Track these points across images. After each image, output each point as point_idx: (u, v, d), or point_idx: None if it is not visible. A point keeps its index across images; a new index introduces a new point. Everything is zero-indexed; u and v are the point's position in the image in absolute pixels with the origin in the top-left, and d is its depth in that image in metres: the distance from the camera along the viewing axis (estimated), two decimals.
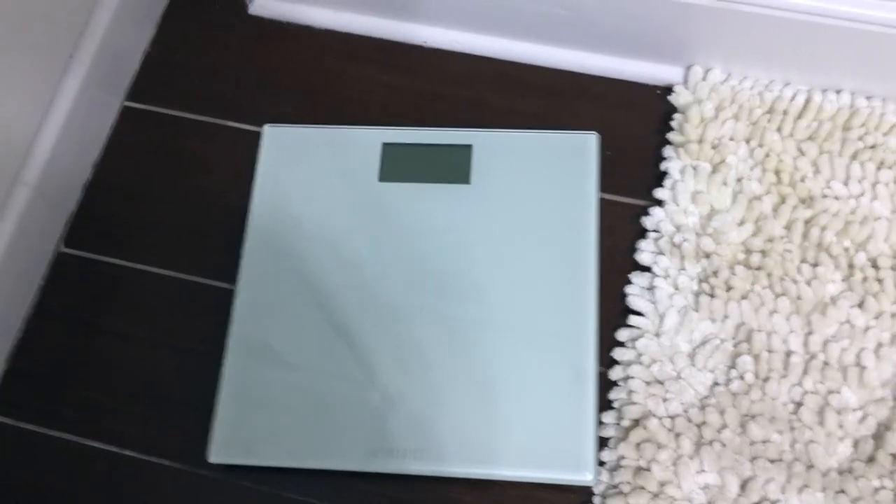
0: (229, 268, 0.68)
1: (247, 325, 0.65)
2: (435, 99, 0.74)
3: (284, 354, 0.64)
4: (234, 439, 0.62)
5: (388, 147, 0.70)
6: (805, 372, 0.61)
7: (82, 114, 0.73)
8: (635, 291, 0.66)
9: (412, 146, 0.70)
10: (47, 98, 0.70)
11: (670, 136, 0.70)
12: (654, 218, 0.67)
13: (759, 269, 0.64)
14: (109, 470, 0.65)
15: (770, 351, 0.62)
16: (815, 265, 0.64)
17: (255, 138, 0.72)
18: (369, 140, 0.71)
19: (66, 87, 0.71)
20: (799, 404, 0.61)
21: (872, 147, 0.67)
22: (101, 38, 0.73)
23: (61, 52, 0.71)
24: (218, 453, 0.62)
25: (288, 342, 0.64)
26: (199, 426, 0.63)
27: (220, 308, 0.67)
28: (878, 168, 0.66)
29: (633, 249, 0.67)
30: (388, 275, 0.66)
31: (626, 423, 0.61)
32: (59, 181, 0.72)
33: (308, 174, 0.70)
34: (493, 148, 0.69)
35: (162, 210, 0.73)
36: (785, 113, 0.68)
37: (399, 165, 0.70)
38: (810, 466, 0.59)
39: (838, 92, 0.69)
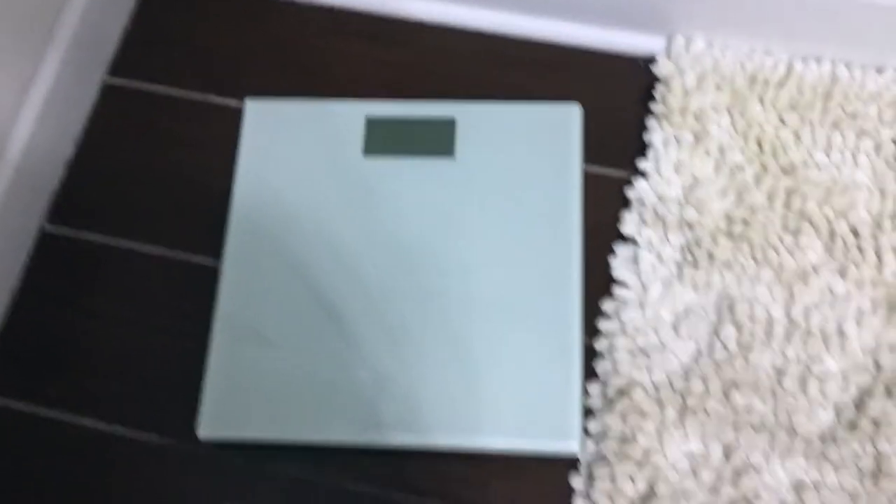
0: (215, 244, 0.68)
1: (232, 306, 0.65)
2: (419, 72, 0.74)
3: (270, 336, 0.64)
4: (223, 415, 0.62)
5: (372, 121, 0.70)
6: (787, 340, 0.62)
7: (63, 91, 0.72)
8: (619, 263, 0.66)
9: (396, 120, 0.70)
10: (27, 75, 0.70)
11: (653, 106, 0.70)
12: (638, 189, 0.67)
13: (741, 238, 0.65)
14: (99, 448, 0.65)
15: (752, 320, 0.63)
16: (796, 234, 0.64)
17: (239, 114, 0.71)
18: (353, 114, 0.70)
19: (45, 63, 0.71)
20: (781, 372, 0.61)
21: (853, 116, 0.67)
22: (81, 14, 0.73)
23: (40, 29, 0.70)
24: (207, 429, 0.62)
25: (274, 323, 0.64)
26: (188, 402, 0.63)
27: (206, 284, 0.67)
28: (859, 137, 0.67)
29: (617, 221, 0.67)
30: (373, 251, 0.66)
31: (611, 393, 0.62)
32: (41, 159, 0.71)
33: (292, 149, 0.70)
34: (476, 121, 0.69)
35: (146, 187, 0.72)
36: (766, 82, 0.69)
37: (383, 139, 0.70)
38: (793, 433, 0.60)
39: (819, 61, 0.69)
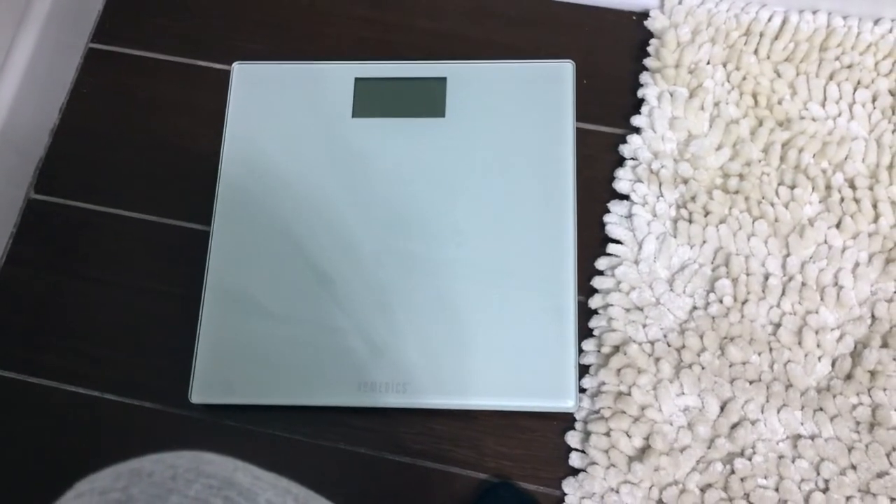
0: (203, 209, 0.67)
1: (222, 272, 0.64)
2: (408, 31, 0.73)
3: (262, 302, 0.63)
4: (215, 379, 0.62)
5: (361, 82, 0.69)
6: (783, 293, 0.62)
7: (45, 57, 0.71)
8: (614, 220, 0.65)
9: (386, 80, 0.69)
10: (7, 41, 0.68)
11: (647, 61, 0.69)
12: (632, 146, 0.67)
13: (736, 193, 0.64)
14: (92, 415, 0.64)
15: (748, 274, 0.62)
16: (792, 187, 0.64)
17: (226, 77, 0.70)
18: (342, 75, 0.69)
19: (26, 29, 0.69)
20: (777, 325, 0.61)
21: (849, 67, 0.66)
22: None
23: None
24: (200, 393, 0.62)
25: (265, 289, 0.64)
26: (180, 368, 0.63)
27: (195, 249, 0.66)
28: (855, 88, 0.66)
29: (611, 178, 0.67)
30: (364, 214, 0.65)
31: (606, 349, 0.62)
32: (26, 127, 0.70)
33: (280, 112, 0.69)
34: (467, 80, 0.68)
35: (132, 153, 0.71)
36: (761, 35, 0.68)
37: (373, 101, 0.69)
38: (789, 386, 0.60)
39: (815, 12, 0.68)
